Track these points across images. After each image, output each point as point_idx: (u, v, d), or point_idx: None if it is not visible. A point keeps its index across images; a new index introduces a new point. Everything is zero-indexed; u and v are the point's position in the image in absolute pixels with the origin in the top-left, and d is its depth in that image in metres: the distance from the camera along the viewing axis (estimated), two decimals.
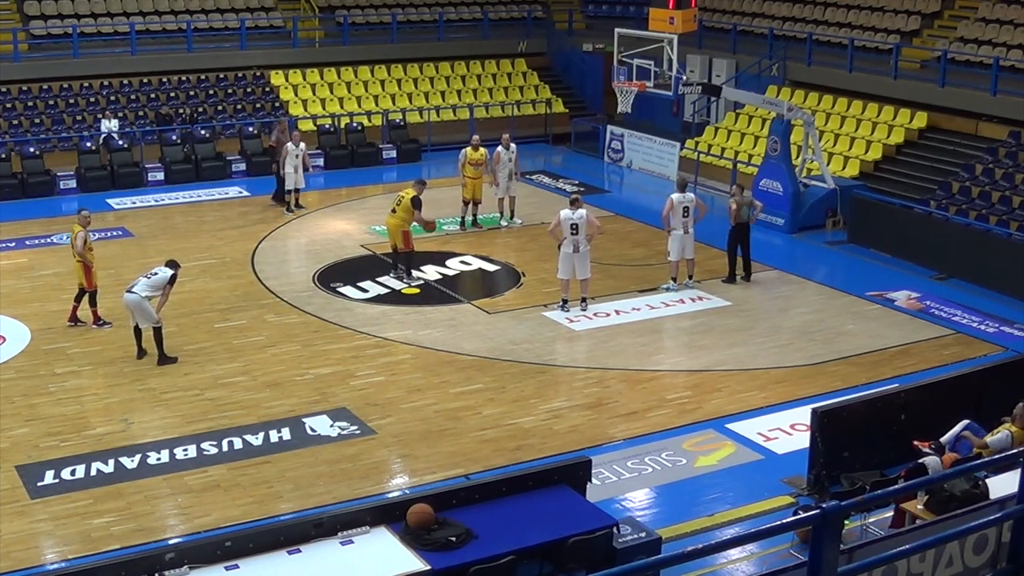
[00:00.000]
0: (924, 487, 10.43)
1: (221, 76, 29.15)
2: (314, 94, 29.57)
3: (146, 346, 15.72)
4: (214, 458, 13.06)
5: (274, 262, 20.36)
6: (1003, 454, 10.34)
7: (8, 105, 26.70)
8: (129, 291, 15.49)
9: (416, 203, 18.90)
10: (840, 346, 16.73)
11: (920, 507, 10.32)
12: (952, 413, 12.20)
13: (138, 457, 13.02)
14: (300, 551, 9.63)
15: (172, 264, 15.96)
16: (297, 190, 23.17)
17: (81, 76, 27.80)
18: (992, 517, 6.88)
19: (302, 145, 23.02)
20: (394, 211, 19.06)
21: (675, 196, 18.56)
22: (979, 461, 10.61)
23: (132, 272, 16.73)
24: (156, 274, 15.63)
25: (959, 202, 21.66)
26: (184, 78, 28.70)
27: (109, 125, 26.11)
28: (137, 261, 19.00)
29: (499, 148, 22.30)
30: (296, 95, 29.35)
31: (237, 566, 9.36)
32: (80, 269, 16.72)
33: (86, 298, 16.84)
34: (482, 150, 22.11)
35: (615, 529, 10.33)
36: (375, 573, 9.43)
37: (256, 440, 13.51)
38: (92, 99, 27.67)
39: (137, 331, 15.67)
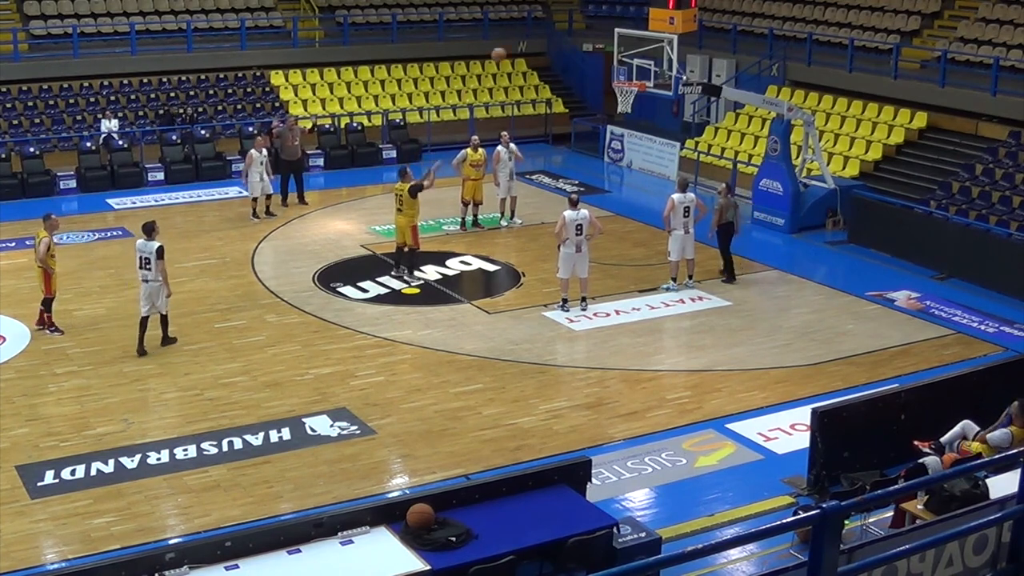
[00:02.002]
0: (924, 487, 10.43)
1: (221, 76, 29.14)
2: (314, 94, 29.57)
3: (146, 344, 15.76)
4: (214, 458, 13.06)
5: (274, 262, 20.37)
6: (1003, 454, 10.35)
7: (8, 105, 26.70)
8: (145, 281, 15.62)
9: (414, 192, 18.95)
10: (840, 346, 16.72)
11: (920, 507, 10.31)
12: (952, 413, 12.20)
13: (138, 457, 13.02)
14: (300, 551, 9.63)
15: (147, 229, 15.72)
16: (268, 196, 22.93)
17: (81, 76, 27.81)
18: (992, 517, 6.88)
19: (264, 151, 22.61)
20: (400, 210, 19.09)
21: (676, 196, 18.56)
22: (979, 461, 10.61)
23: (132, 272, 16.67)
24: (147, 257, 15.52)
25: (959, 202, 21.65)
26: (184, 78, 28.70)
27: (109, 125, 26.10)
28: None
29: (499, 147, 22.30)
30: (296, 95, 29.35)
31: (237, 566, 9.35)
32: (40, 275, 16.50)
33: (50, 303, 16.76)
34: (481, 151, 22.09)
35: (615, 529, 10.32)
36: (375, 573, 9.43)
37: (256, 440, 13.51)
38: (92, 99, 27.67)
39: (142, 326, 15.70)
